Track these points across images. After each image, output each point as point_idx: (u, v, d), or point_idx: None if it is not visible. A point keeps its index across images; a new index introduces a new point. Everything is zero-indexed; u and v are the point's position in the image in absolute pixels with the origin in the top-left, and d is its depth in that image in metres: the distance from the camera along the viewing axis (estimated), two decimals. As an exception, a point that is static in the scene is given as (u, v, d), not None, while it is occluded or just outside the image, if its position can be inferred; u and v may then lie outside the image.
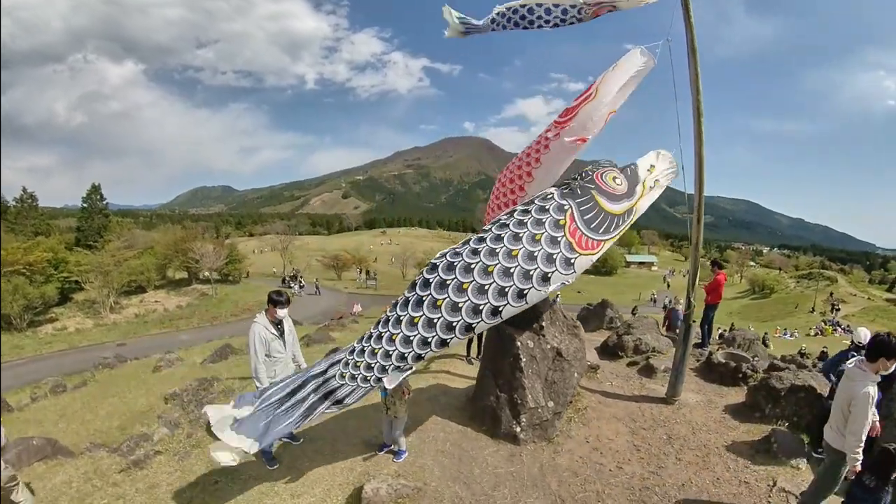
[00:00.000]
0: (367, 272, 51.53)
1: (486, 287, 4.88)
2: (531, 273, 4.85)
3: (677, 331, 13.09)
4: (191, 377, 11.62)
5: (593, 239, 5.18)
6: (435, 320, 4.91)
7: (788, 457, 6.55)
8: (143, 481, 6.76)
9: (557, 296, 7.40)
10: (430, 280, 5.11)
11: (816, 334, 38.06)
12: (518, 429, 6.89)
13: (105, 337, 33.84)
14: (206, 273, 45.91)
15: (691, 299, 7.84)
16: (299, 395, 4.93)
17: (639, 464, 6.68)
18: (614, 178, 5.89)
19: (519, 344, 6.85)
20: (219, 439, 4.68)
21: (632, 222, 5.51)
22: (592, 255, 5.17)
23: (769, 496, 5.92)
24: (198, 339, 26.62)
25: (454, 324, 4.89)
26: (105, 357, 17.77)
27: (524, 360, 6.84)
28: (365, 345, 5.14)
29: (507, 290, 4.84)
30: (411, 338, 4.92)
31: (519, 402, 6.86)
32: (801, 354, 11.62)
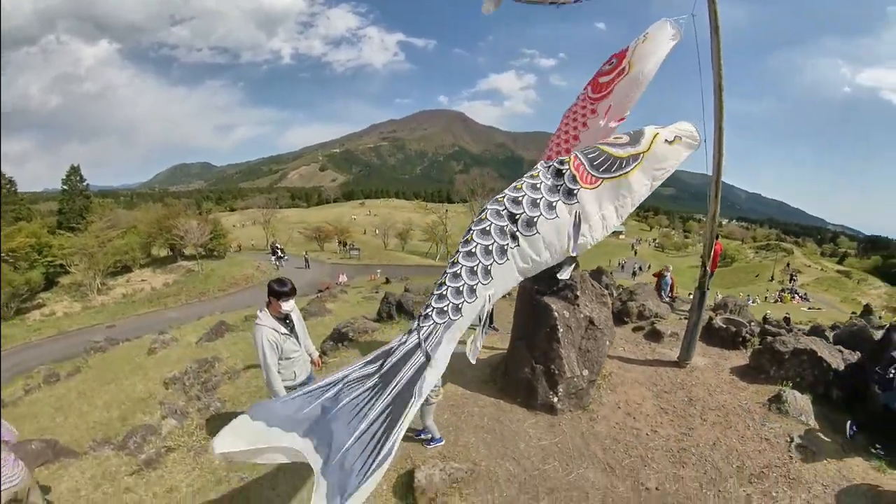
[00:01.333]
0: (346, 244, 49.40)
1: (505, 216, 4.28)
2: (538, 201, 4.27)
3: (662, 294, 12.81)
4: (188, 358, 10.66)
5: (594, 175, 4.54)
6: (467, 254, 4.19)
7: (798, 414, 6.51)
8: (159, 484, 5.82)
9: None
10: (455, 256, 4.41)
11: (776, 301, 39.76)
12: (555, 399, 6.41)
13: (94, 320, 31.61)
14: (191, 249, 43.15)
15: (707, 267, 7.40)
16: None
17: (670, 426, 6.38)
18: (616, 137, 5.20)
19: (556, 314, 6.37)
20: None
21: (632, 172, 4.66)
22: (593, 189, 4.51)
23: (789, 451, 5.80)
24: (188, 317, 24.99)
25: (477, 266, 4.14)
26: (96, 341, 16.26)
27: (561, 330, 6.36)
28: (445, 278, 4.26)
29: (517, 217, 4.23)
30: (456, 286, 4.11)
31: (556, 372, 6.38)
32: (765, 320, 11.65)
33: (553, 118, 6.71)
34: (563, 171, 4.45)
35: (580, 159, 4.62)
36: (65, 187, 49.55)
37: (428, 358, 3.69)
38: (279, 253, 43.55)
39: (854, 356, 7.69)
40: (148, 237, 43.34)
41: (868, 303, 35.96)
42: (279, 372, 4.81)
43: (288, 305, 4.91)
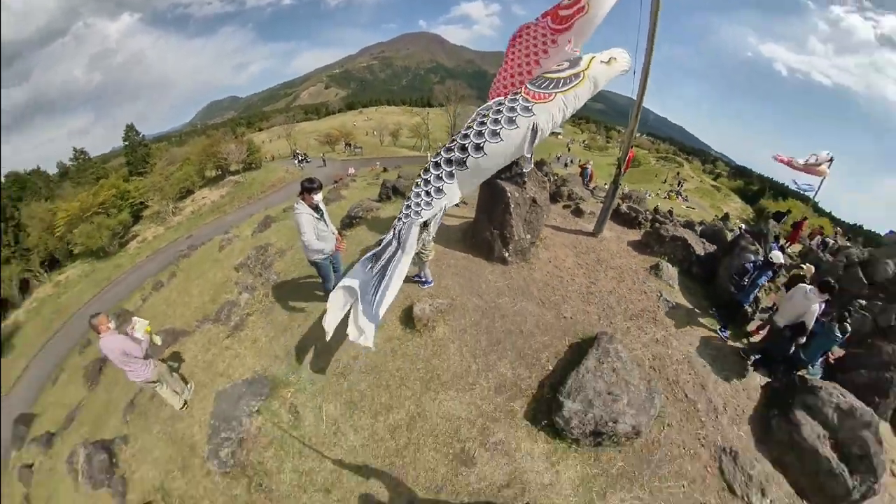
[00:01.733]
0: (350, 144, 47.78)
1: (474, 135, 4.22)
2: (500, 119, 4.15)
3: (586, 182, 12.60)
4: (248, 247, 10.34)
5: (544, 92, 4.27)
6: (446, 159, 4.30)
7: (668, 280, 6.86)
8: (247, 339, 6.14)
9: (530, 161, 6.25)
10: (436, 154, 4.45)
11: (665, 198, 39.95)
12: (507, 254, 6.52)
13: (175, 235, 30.82)
14: (235, 166, 41.41)
15: (621, 167, 7.24)
16: (383, 258, 4.15)
17: (583, 277, 6.61)
18: (557, 66, 4.75)
19: (509, 194, 6.19)
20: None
21: (580, 84, 4.36)
22: (547, 102, 4.24)
23: (658, 302, 6.22)
24: (242, 217, 24.39)
25: (453, 158, 4.26)
26: (181, 250, 15.93)
27: (512, 206, 6.24)
28: (413, 193, 4.40)
29: (483, 132, 4.16)
30: (437, 173, 4.29)
31: (507, 235, 6.41)
32: (656, 210, 11.78)
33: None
34: (517, 98, 4.28)
35: (529, 88, 4.37)
36: (126, 143, 45.32)
37: (400, 244, 4.14)
38: (301, 157, 41.79)
39: (711, 248, 7.95)
40: (200, 164, 40.80)
41: (727, 212, 36.93)
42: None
43: (318, 197, 4.85)
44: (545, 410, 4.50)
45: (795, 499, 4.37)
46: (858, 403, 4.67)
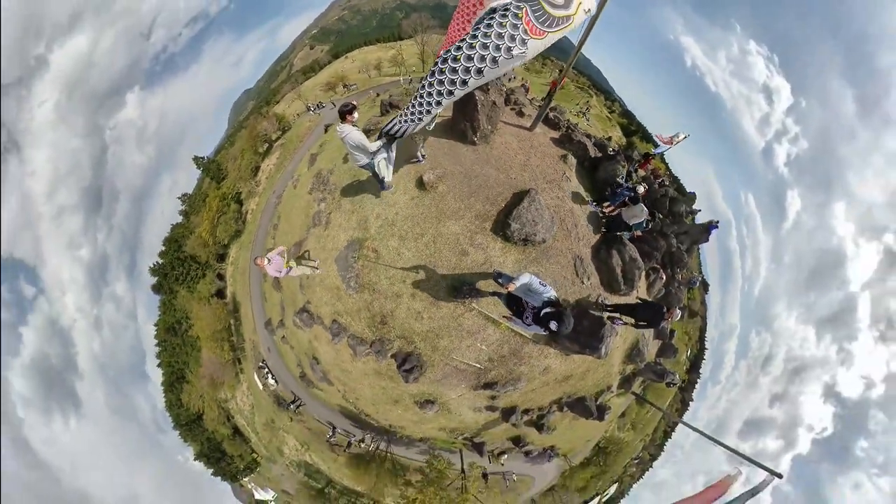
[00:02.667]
0: (346, 84, 50.99)
1: (477, 59, 4.87)
2: (500, 47, 4.72)
3: (525, 93, 15.15)
4: (310, 177, 12.39)
5: (540, 29, 4.73)
6: (450, 79, 5.08)
7: (570, 165, 10.12)
8: (335, 226, 9.38)
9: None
10: (444, 60, 5.07)
11: (576, 115, 46.10)
12: (475, 138, 9.15)
13: (266, 197, 34.61)
14: (274, 135, 46.62)
15: (554, 89, 9.76)
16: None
17: (522, 155, 9.63)
18: None
19: (477, 98, 8.54)
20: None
21: (568, 28, 4.95)
22: (540, 40, 4.76)
23: (562, 177, 9.60)
24: (296, 163, 28.13)
25: (457, 80, 5.03)
26: (274, 201, 22.78)
27: (479, 105, 8.66)
28: (415, 94, 5.46)
29: (486, 57, 4.78)
30: (440, 89, 5.18)
31: (476, 126, 8.94)
32: (568, 122, 14.79)
33: None
34: (518, 25, 4.65)
35: (529, 15, 4.68)
36: (200, 168, 49.84)
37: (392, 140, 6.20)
38: (314, 107, 46.17)
39: (599, 154, 11.23)
40: (253, 147, 44.26)
41: (611, 136, 45.30)
42: None
43: (355, 116, 6.07)
44: (501, 227, 8.12)
45: (601, 287, 9.05)
46: (637, 256, 9.29)
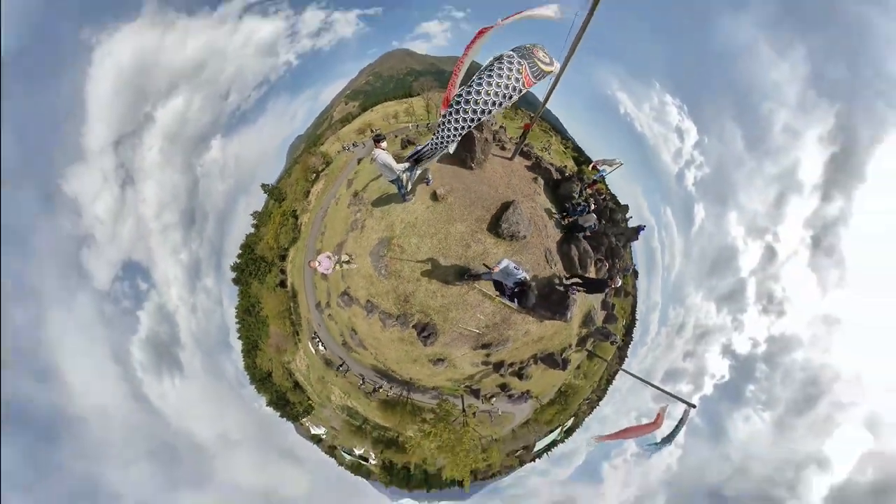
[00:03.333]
0: (373, 130, 49.37)
1: (483, 103, 4.69)
2: (502, 94, 4.60)
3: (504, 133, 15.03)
4: (348, 195, 11.43)
5: (532, 80, 4.61)
6: (463, 118, 4.85)
7: (539, 185, 10.07)
8: (368, 229, 8.97)
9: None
10: (458, 100, 4.81)
11: (540, 150, 44.31)
12: (473, 164, 9.09)
13: (314, 213, 28.43)
14: (320, 167, 40.83)
15: (529, 129, 9.36)
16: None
17: (506, 177, 9.57)
18: (544, 53, 4.80)
19: (474, 135, 8.56)
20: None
21: (545, 79, 4.70)
22: (529, 88, 4.66)
23: (535, 193, 9.58)
24: (338, 186, 25.34)
25: (469, 118, 4.80)
26: (322, 214, 17.46)
27: (476, 141, 8.67)
28: (441, 127, 5.13)
29: (489, 101, 4.63)
30: (456, 125, 4.95)
31: (473, 155, 8.92)
32: (537, 155, 14.38)
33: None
34: (520, 79, 4.52)
35: (527, 71, 4.52)
36: (267, 193, 38.39)
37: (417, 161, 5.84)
38: (349, 146, 42.36)
39: (559, 176, 11.12)
40: (305, 177, 39.99)
41: (566, 164, 44.29)
42: None
43: (383, 144, 6.17)
44: (494, 227, 8.04)
45: (564, 270, 8.97)
46: (589, 249, 9.22)
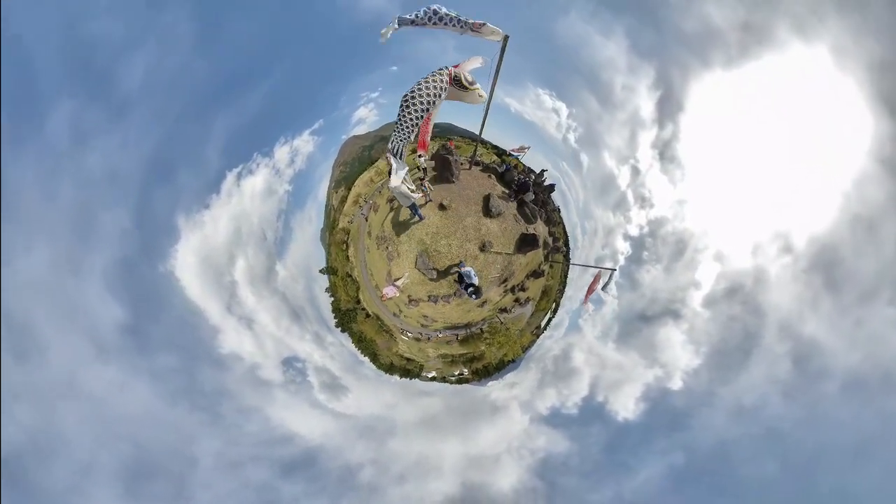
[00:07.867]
0: (364, 197, 31.41)
1: (422, 96, 4.08)
2: (435, 94, 4.07)
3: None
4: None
5: (453, 77, 4.08)
6: (414, 111, 4.11)
7: (493, 179, 10.86)
8: (398, 245, 9.39)
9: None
10: (406, 101, 4.14)
11: (482, 157, 39.38)
12: (454, 179, 9.96)
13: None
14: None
15: (476, 149, 10.48)
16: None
17: (475, 181, 10.51)
18: (469, 73, 4.30)
19: (451, 161, 9.58)
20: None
21: (467, 95, 4.24)
22: (451, 77, 4.11)
23: (493, 184, 10.59)
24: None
25: (420, 112, 4.12)
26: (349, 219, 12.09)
27: (452, 163, 9.68)
28: (398, 125, 4.22)
29: (428, 96, 4.05)
30: (410, 118, 4.12)
31: (452, 173, 9.82)
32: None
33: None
34: (445, 88, 4.05)
35: (451, 72, 4.05)
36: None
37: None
38: (354, 217, 26.62)
39: (500, 170, 11.47)
40: (339, 248, 28.40)
41: (495, 160, 39.87)
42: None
43: (392, 177, 4.65)
44: (486, 212, 9.52)
45: (524, 219, 10.42)
46: (533, 205, 10.61)
